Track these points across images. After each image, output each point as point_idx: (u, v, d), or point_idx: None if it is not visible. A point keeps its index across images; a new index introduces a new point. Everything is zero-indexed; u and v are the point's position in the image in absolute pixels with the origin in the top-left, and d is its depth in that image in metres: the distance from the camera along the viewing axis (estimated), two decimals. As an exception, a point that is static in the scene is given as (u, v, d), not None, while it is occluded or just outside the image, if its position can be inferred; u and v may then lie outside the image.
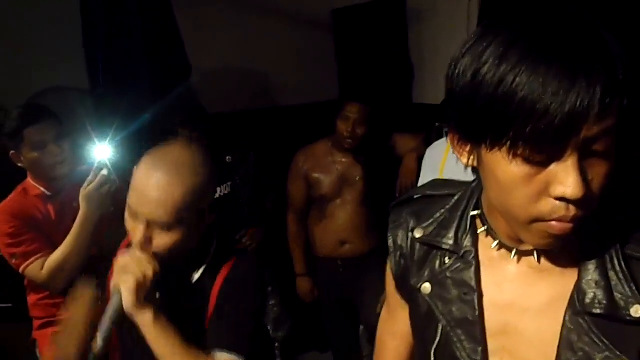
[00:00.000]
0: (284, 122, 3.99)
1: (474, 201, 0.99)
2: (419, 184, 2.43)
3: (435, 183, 1.12)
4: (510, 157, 0.73)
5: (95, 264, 2.25)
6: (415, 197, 1.09)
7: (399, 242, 1.08)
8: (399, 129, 3.14)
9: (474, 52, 0.76)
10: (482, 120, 0.74)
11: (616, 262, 0.84)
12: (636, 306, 0.81)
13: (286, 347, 3.09)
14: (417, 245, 1.04)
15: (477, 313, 0.94)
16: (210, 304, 1.51)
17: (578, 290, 0.85)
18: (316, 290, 3.21)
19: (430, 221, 1.03)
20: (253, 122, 3.80)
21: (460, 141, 0.84)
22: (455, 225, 0.99)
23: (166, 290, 1.50)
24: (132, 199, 1.40)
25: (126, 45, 2.99)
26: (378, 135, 3.02)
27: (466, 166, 0.86)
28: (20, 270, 2.15)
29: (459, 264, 0.97)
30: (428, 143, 2.69)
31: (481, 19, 3.37)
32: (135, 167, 1.42)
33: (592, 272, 0.85)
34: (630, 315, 0.81)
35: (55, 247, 2.13)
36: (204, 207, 1.46)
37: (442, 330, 0.97)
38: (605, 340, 0.83)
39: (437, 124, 2.50)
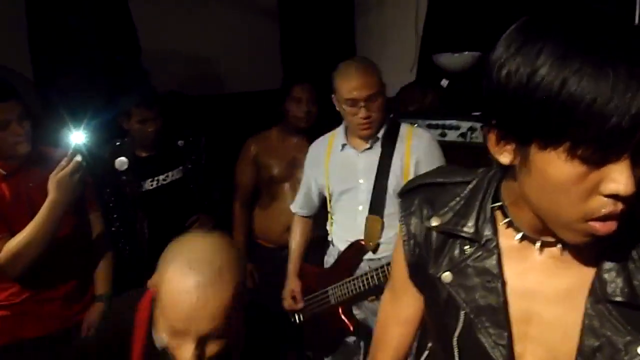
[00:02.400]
0: (230, 109, 3.95)
1: (492, 191, 0.99)
2: (302, 182, 2.64)
3: (443, 170, 1.13)
4: (568, 157, 0.74)
5: (64, 248, 2.23)
6: (425, 183, 1.09)
7: (413, 230, 1.08)
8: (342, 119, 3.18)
9: (527, 53, 0.75)
10: (539, 120, 0.75)
11: (634, 252, 0.87)
12: None
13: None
14: (433, 234, 1.05)
15: (501, 300, 0.96)
16: None
17: (599, 279, 0.89)
18: (256, 274, 3.24)
19: (446, 209, 1.03)
20: (200, 108, 3.76)
21: (503, 140, 0.83)
22: (474, 214, 0.99)
23: None
24: (177, 317, 1.16)
25: (75, 27, 2.91)
26: (328, 118, 3.05)
27: (508, 165, 0.86)
28: None
29: (480, 253, 0.98)
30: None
31: (430, 12, 3.45)
32: (163, 270, 1.21)
33: (612, 262, 0.88)
34: None
35: (9, 229, 2.06)
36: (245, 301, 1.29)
37: (464, 317, 0.99)
38: (626, 326, 0.87)
39: (391, 116, 2.55)
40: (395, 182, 2.36)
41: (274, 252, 3.14)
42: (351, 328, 2.52)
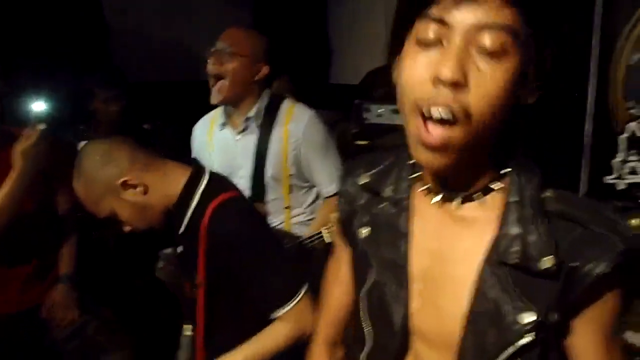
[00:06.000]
0: (202, 96, 3.95)
1: None
2: None
3: (394, 137, 1.17)
4: (412, 41, 0.81)
5: (27, 227, 2.21)
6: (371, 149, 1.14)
7: (347, 188, 1.12)
8: (315, 107, 3.21)
9: None
10: (400, 17, 0.84)
11: (535, 216, 0.87)
12: (547, 258, 0.84)
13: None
14: (362, 192, 1.08)
15: (404, 257, 0.98)
16: (200, 250, 1.59)
17: (495, 242, 0.89)
18: None
19: (376, 170, 1.07)
20: (171, 94, 3.75)
21: (393, 60, 0.89)
22: (395, 172, 1.03)
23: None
24: None
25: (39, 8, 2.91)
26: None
27: (393, 83, 0.89)
28: None
29: (394, 210, 1.01)
30: (348, 119, 2.77)
31: (400, 2, 3.48)
32: None
33: (511, 224, 0.88)
34: (541, 267, 0.84)
35: None
36: None
37: (373, 271, 1.02)
38: (515, 290, 0.86)
39: (356, 101, 2.58)
40: (273, 168, 2.29)
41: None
42: None
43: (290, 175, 2.31)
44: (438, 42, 0.79)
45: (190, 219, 1.62)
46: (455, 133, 0.79)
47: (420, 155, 0.84)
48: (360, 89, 3.08)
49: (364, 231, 1.05)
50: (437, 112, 0.78)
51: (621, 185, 2.33)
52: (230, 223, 1.58)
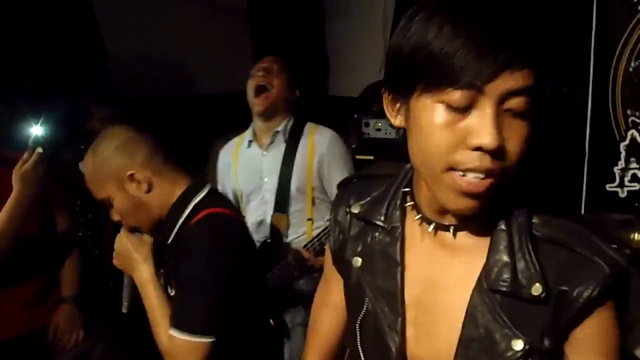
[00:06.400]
0: (198, 110, 3.95)
1: (407, 179, 1.03)
2: (218, 186, 2.62)
3: (379, 166, 1.17)
4: (436, 102, 0.80)
5: (30, 249, 2.21)
6: (360, 176, 1.15)
7: (339, 218, 1.13)
8: (314, 119, 3.21)
9: (408, 21, 0.84)
10: (417, 69, 0.81)
11: (523, 243, 0.89)
12: (537, 284, 0.85)
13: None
14: (354, 221, 1.09)
15: (398, 285, 0.99)
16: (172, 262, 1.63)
17: (486, 269, 0.90)
18: None
19: (368, 199, 1.07)
20: (167, 110, 3.74)
21: (392, 100, 0.91)
22: (387, 201, 1.04)
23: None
24: None
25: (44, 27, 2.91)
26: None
27: (396, 127, 0.92)
28: None
29: (387, 239, 1.02)
30: (348, 133, 2.76)
31: (397, 14, 3.48)
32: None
33: (500, 252, 0.89)
34: (531, 294, 0.85)
35: None
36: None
37: (367, 301, 1.03)
38: (505, 318, 0.88)
39: (355, 116, 2.57)
40: (298, 180, 2.42)
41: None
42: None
43: (314, 187, 2.44)
44: (469, 107, 0.79)
45: (179, 230, 1.65)
46: (493, 181, 0.82)
47: (460, 203, 0.85)
48: (360, 103, 3.08)
49: (356, 260, 1.06)
50: (475, 183, 0.81)
51: (623, 192, 2.32)
52: (197, 236, 1.58)
